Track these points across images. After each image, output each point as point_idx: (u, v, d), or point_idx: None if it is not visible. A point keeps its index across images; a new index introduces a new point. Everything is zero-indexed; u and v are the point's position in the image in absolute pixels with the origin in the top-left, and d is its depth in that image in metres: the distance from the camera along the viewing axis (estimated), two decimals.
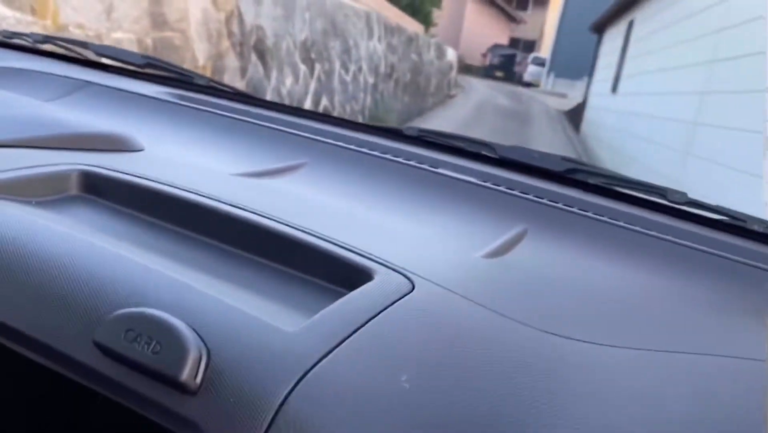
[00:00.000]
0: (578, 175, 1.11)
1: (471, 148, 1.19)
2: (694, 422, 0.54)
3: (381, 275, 0.64)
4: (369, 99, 8.74)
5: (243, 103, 1.35)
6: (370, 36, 8.90)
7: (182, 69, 1.49)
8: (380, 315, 0.57)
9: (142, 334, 0.49)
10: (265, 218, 0.71)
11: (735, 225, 1.01)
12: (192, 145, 1.07)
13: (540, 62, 31.39)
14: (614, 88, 11.12)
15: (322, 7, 6.81)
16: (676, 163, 6.31)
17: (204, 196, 0.74)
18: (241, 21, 4.91)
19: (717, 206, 1.03)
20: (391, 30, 10.11)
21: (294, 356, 0.50)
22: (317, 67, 6.72)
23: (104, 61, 1.51)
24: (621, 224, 0.96)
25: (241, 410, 0.47)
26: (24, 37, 1.55)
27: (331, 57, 7.23)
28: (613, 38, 13.10)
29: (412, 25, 15.10)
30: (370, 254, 0.67)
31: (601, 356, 0.61)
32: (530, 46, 37.86)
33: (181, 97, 1.30)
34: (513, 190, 1.03)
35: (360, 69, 8.43)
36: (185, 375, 0.48)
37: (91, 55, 1.52)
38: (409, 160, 1.10)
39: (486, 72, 33.29)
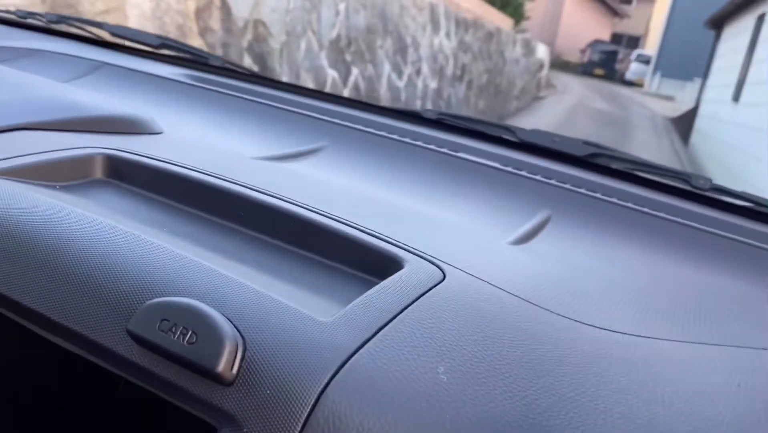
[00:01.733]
0: (600, 160, 1.09)
1: (491, 132, 1.17)
2: (741, 418, 0.51)
3: (411, 264, 0.61)
4: (429, 106, 7.34)
5: (259, 84, 1.33)
6: (435, 32, 7.49)
7: (197, 50, 1.47)
8: (413, 305, 0.55)
9: (177, 324, 0.48)
10: (292, 204, 0.69)
11: (761, 211, 1.00)
12: (210, 128, 1.05)
13: (644, 60, 28.82)
14: (736, 97, 9.17)
15: None
16: None
17: (229, 181, 0.72)
18: (227, 14, 3.65)
19: (742, 192, 1.02)
20: (464, 24, 8.65)
21: (330, 347, 0.49)
22: (354, 71, 5.41)
23: (118, 41, 1.49)
24: (646, 210, 0.95)
25: (278, 402, 0.46)
26: (38, 17, 1.52)
27: (377, 58, 5.89)
28: (735, 35, 11.01)
29: (497, 19, 13.57)
30: (400, 242, 0.65)
31: (640, 349, 0.59)
32: (634, 42, 35.27)
33: (197, 79, 1.28)
34: (535, 175, 1.01)
35: (418, 71, 7.05)
36: (222, 366, 0.46)
37: (105, 36, 1.50)
38: (429, 144, 1.08)
39: (584, 69, 31.48)
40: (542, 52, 15.31)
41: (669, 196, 1.01)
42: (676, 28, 23.77)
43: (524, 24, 21.38)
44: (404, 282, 0.58)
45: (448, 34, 7.97)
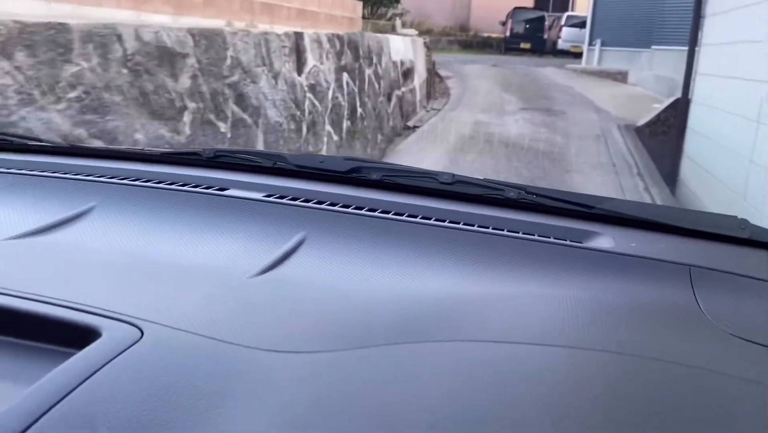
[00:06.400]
0: (360, 173, 1.12)
1: (266, 163, 1.18)
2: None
3: (108, 329, 0.62)
4: None
5: (36, 153, 1.28)
6: None
7: None
8: (97, 373, 0.55)
9: None
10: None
11: (494, 197, 1.05)
12: None
13: (578, 23, 23.12)
14: None
15: None
16: None
17: None
18: None
19: (482, 180, 1.08)
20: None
21: None
22: None
23: None
24: (391, 216, 0.99)
25: None
26: None
27: None
28: None
29: (342, 9, 7.45)
30: (101, 309, 0.66)
31: (310, 365, 0.61)
32: (563, 3, 29.63)
33: None
34: (297, 199, 1.04)
35: None
36: None
37: None
38: (198, 186, 1.08)
39: (507, 45, 25.85)
40: (403, 48, 8.96)
41: (417, 198, 1.06)
42: None
43: (430, 6, 15.74)
44: (98, 349, 0.58)
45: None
